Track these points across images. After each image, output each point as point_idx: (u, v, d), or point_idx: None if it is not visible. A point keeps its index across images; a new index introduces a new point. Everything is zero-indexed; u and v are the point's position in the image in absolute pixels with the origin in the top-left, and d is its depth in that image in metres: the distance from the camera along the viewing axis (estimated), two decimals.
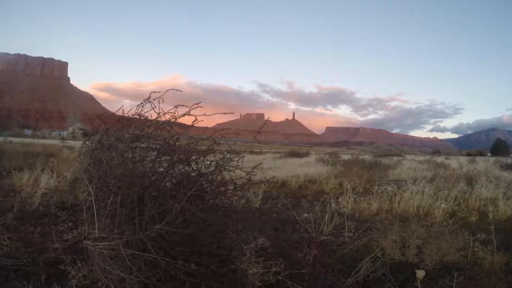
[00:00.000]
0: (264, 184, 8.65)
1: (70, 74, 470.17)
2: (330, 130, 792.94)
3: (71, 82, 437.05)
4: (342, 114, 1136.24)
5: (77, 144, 30.97)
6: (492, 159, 33.59)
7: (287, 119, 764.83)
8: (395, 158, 28.84)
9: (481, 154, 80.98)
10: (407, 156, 38.56)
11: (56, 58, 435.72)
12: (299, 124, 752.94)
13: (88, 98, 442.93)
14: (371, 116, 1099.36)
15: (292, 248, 4.38)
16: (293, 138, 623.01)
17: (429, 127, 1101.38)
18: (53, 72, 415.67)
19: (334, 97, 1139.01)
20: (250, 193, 4.66)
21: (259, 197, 6.79)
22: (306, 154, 29.32)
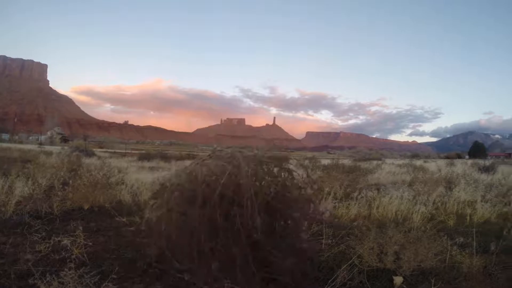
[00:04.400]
0: None
1: (49, 76, 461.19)
2: (310, 135, 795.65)
3: (50, 85, 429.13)
4: (323, 119, 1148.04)
5: (55, 149, 30.22)
6: (470, 161, 34.46)
7: (267, 124, 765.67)
8: (375, 162, 29.18)
9: (459, 156, 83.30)
10: (387, 160, 39.14)
11: (35, 60, 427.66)
12: (280, 129, 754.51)
13: (67, 101, 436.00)
14: (352, 121, 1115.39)
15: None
16: (273, 143, 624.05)
17: (409, 131, 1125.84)
18: (32, 74, 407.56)
19: (316, 102, 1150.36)
20: None
21: None
22: None
